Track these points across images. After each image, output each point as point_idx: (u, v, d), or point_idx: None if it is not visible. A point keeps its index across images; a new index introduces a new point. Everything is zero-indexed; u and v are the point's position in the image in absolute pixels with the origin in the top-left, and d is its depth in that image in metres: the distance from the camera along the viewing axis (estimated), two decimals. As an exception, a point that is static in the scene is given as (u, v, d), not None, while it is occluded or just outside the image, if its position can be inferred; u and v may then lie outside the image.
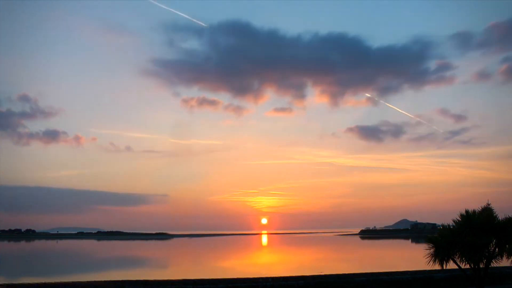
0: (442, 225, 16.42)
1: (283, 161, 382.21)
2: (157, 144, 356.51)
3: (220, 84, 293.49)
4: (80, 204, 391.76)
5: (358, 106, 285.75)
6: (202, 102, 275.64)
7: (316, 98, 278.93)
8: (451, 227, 15.48)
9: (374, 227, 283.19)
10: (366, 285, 26.30)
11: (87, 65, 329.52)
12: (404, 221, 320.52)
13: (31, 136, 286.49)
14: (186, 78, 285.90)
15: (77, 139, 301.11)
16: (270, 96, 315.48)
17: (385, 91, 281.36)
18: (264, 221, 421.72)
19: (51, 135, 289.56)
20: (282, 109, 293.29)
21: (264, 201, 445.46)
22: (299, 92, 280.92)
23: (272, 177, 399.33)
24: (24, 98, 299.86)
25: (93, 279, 31.16)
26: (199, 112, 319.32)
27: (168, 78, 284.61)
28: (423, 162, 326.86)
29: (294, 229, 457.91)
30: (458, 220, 15.41)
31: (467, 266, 15.25)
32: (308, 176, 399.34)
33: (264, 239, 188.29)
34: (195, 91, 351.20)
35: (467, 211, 15.40)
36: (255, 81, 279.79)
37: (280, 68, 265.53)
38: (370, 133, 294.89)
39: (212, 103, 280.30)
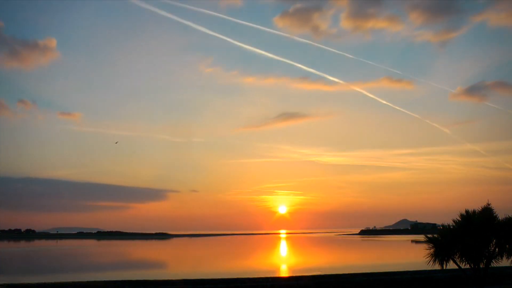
0: (442, 225, 16.40)
1: (272, 159, 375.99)
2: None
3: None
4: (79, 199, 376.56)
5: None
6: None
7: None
8: (451, 227, 15.47)
9: (374, 227, 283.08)
10: (366, 285, 26.30)
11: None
12: (404, 221, 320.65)
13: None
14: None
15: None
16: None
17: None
18: (261, 221, 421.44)
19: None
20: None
21: (267, 200, 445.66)
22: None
23: (269, 176, 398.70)
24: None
25: (93, 279, 31.17)
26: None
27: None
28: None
29: (293, 229, 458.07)
30: (458, 220, 15.40)
31: (467, 266, 15.23)
32: (308, 175, 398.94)
33: (263, 239, 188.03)
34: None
35: (467, 211, 15.38)
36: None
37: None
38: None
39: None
